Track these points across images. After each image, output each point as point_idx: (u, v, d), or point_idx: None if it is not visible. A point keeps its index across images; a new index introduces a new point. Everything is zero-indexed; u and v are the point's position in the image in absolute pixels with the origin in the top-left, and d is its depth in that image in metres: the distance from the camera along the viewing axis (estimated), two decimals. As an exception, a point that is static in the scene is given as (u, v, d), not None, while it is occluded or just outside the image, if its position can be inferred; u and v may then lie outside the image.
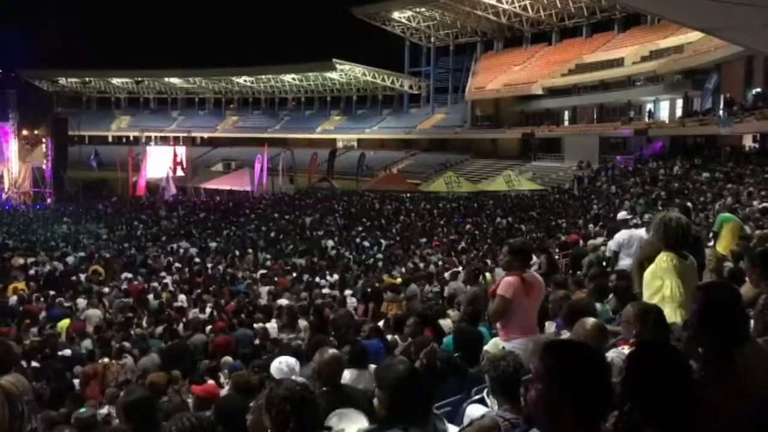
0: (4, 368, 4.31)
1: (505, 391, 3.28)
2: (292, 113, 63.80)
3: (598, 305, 5.53)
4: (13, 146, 36.48)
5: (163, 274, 16.49)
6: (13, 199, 35.26)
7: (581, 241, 12.94)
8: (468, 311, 6.67)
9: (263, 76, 61.15)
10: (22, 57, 54.98)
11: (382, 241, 20.98)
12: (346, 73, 56.99)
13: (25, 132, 37.14)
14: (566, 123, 45.20)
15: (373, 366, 5.07)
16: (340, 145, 57.36)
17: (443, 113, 55.24)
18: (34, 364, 8.66)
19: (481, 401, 3.67)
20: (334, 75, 57.86)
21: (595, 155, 37.64)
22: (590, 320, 3.94)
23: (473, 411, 3.52)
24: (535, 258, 9.79)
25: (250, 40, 63.60)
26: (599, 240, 12.54)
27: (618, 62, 39.80)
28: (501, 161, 44.95)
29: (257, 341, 9.16)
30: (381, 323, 7.92)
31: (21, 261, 17.99)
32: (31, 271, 16.81)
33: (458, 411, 3.75)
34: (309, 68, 57.46)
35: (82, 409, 5.91)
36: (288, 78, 60.64)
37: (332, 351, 4.05)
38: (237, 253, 19.62)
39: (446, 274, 12.72)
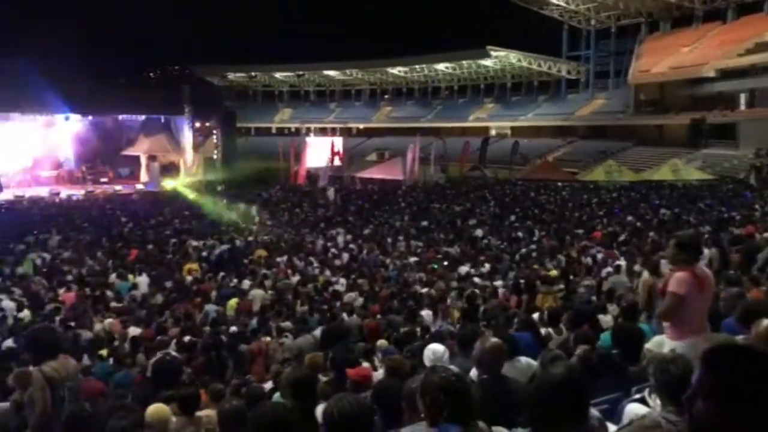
0: (51, 354, 4.54)
1: (672, 395, 3.07)
2: (444, 102, 63.92)
3: (778, 305, 5.04)
4: (187, 138, 39.57)
5: (320, 258, 17.22)
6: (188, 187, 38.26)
7: (757, 235, 11.89)
8: (626, 307, 6.36)
9: (417, 66, 61.71)
10: (195, 55, 59.70)
11: (536, 231, 20.51)
12: (500, 60, 56.12)
13: (197, 124, 40.11)
14: (743, 107, 41.55)
15: (523, 358, 5.00)
16: (493, 133, 56.67)
17: (603, 99, 52.88)
18: (185, 338, 9.39)
19: (642, 401, 3.49)
20: (488, 62, 57.19)
21: (776, 142, 34.32)
22: (766, 321, 3.60)
23: (633, 410, 3.35)
24: (706, 251, 9.14)
25: (405, 30, 64.38)
26: (779, 234, 11.46)
27: (806, 38, 35.96)
28: (667, 149, 42.19)
29: (409, 327, 9.30)
30: (536, 316, 7.73)
31: (195, 243, 19.52)
32: (204, 253, 18.18)
33: (616, 409, 3.60)
34: (462, 56, 57.19)
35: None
36: (441, 67, 60.75)
37: (494, 340, 4.01)
38: (390, 240, 20.02)
39: (609, 268, 12.20)
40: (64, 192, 33.66)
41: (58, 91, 30.94)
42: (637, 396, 3.63)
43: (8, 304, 12.06)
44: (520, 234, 20.14)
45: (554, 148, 50.68)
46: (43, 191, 33.61)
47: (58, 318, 10.83)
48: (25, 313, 11.51)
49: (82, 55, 45.27)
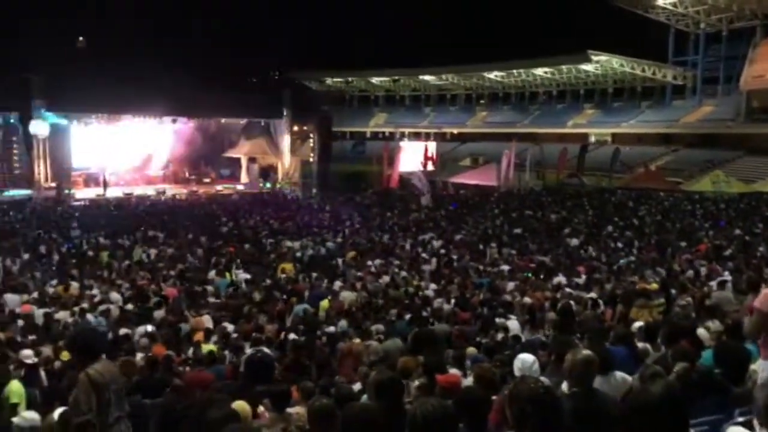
0: (93, 356, 4.49)
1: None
2: (542, 107, 62.65)
3: None
4: (286, 141, 40.72)
5: (410, 263, 17.27)
6: (285, 189, 39.36)
7: None
8: (731, 325, 6.05)
9: (514, 71, 60.83)
10: (295, 60, 61.34)
11: (636, 242, 19.79)
12: (602, 64, 54.47)
13: (295, 128, 41.22)
14: None
15: (618, 373, 4.84)
16: (592, 139, 55.09)
17: (712, 105, 50.32)
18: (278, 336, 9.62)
19: (746, 424, 3.29)
20: (588, 67, 55.63)
21: None
22: None
23: (736, 434, 3.17)
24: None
25: (501, 34, 63.49)
26: None
27: None
28: (782, 159, 39.71)
29: (499, 336, 9.20)
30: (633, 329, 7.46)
31: (289, 244, 20.03)
32: (298, 254, 18.63)
33: (716, 432, 3.42)
34: (562, 61, 55.85)
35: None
36: (540, 72, 59.61)
37: (586, 352, 3.92)
38: (481, 246, 19.83)
39: (713, 283, 11.62)
40: (170, 191, 35.38)
41: (166, 94, 32.58)
42: (740, 419, 3.44)
43: (115, 296, 12.80)
44: (618, 244, 19.51)
45: (657, 156, 48.66)
46: (150, 190, 35.46)
47: (161, 311, 11.37)
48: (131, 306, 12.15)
49: (188, 59, 47.44)
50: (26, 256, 17.45)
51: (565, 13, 60.45)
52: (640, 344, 6.51)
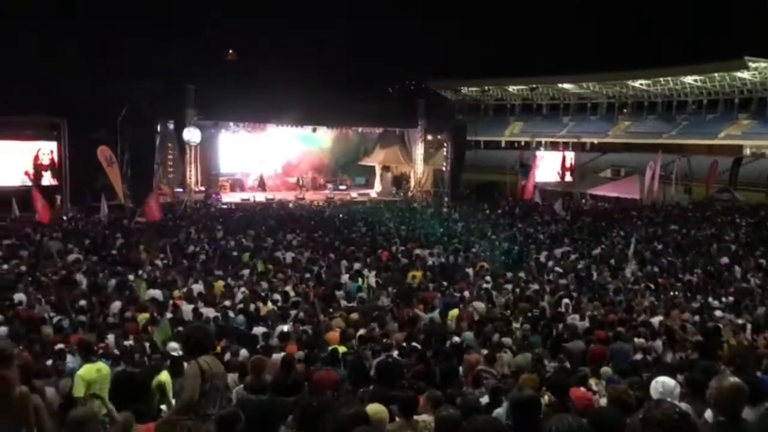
0: (203, 350, 4.89)
1: None
2: (691, 117, 59.07)
3: None
4: (419, 150, 41.03)
5: (543, 276, 16.83)
6: (417, 197, 39.62)
7: None
8: None
9: (661, 79, 57.84)
10: (431, 69, 61.76)
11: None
12: (760, 71, 50.57)
13: (429, 137, 41.38)
14: None
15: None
16: (747, 152, 51.28)
17: None
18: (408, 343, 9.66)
19: None
20: (744, 74, 51.83)
21: None
22: None
23: None
24: None
25: (648, 39, 60.49)
26: None
27: None
28: None
29: (638, 356, 8.79)
30: None
31: (418, 252, 20.13)
32: (429, 262, 18.68)
33: None
34: (714, 68, 52.36)
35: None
36: (689, 79, 56.27)
37: (733, 380, 3.65)
38: (621, 262, 18.99)
39: None
40: (308, 196, 36.73)
41: (307, 104, 33.86)
42: None
43: (254, 296, 13.45)
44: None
45: (823, 170, 44.48)
46: (290, 195, 37.00)
47: (297, 312, 11.80)
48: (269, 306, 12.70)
49: (328, 70, 49.03)
50: (175, 255, 18.67)
51: (718, 16, 56.71)
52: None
